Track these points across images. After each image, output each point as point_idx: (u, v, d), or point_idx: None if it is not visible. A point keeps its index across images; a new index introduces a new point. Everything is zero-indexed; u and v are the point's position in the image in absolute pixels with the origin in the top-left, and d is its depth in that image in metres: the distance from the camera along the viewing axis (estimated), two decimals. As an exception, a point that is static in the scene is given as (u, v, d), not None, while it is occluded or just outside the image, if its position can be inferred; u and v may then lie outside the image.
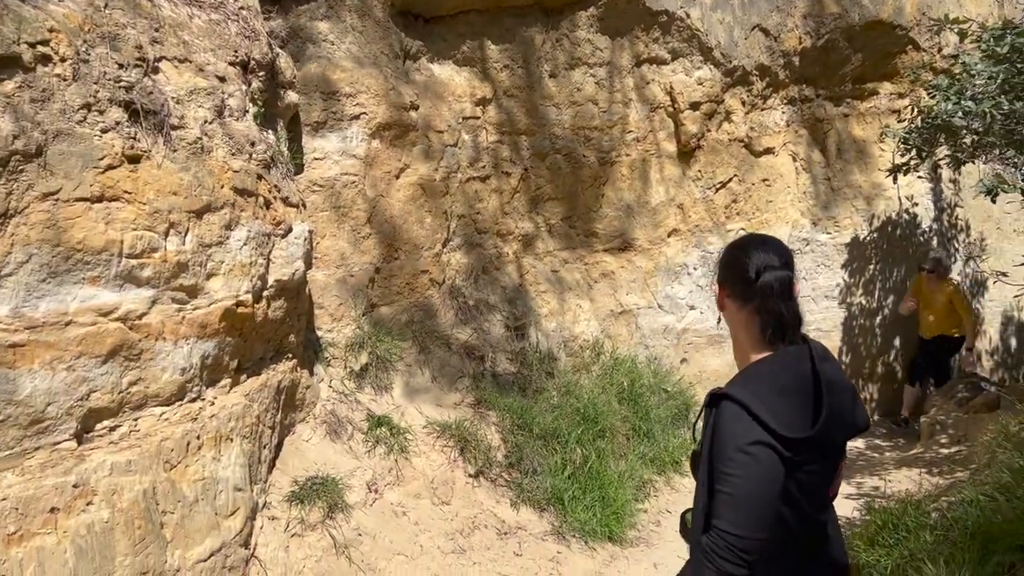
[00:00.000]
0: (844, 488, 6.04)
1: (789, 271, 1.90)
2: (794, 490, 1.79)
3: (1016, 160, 4.64)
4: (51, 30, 2.73)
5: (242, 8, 3.94)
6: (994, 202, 5.06)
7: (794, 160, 7.25)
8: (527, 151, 5.97)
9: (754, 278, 1.87)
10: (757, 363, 1.88)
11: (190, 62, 3.31)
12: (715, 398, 1.81)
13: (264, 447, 3.64)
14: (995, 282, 7.30)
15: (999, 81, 4.94)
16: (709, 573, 1.74)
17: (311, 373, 4.33)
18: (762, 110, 7.00)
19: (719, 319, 2.07)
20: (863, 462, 6.73)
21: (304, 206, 4.18)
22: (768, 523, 1.75)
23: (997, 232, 8.11)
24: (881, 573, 4.16)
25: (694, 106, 6.47)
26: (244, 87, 3.68)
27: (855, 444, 7.25)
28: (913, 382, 7.35)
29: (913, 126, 5.79)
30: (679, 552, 4.82)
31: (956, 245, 7.92)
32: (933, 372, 7.25)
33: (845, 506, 5.54)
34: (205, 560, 3.07)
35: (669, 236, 6.62)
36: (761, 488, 1.74)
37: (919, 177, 7.20)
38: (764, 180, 7.06)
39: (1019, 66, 5.04)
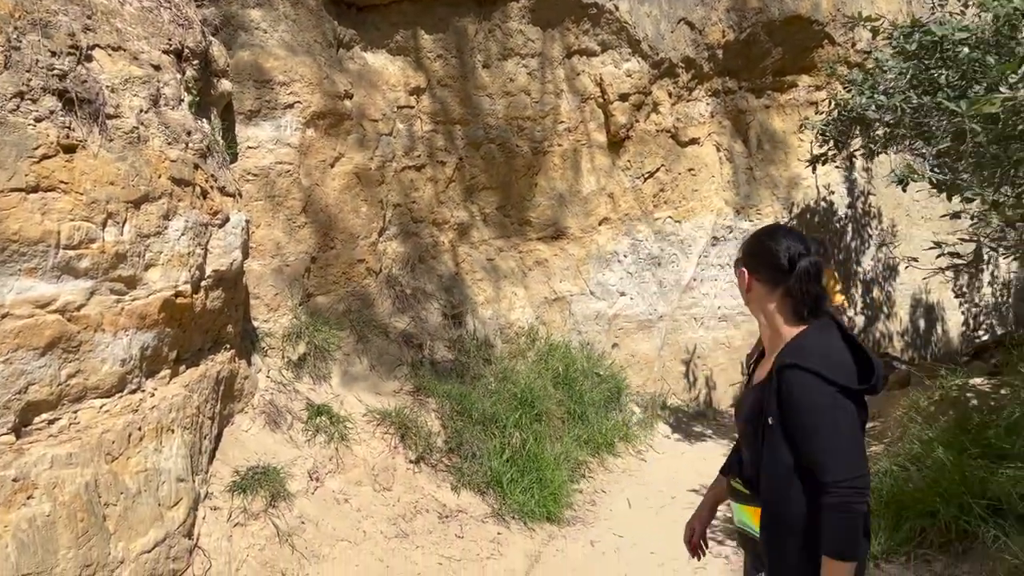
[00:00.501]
0: (768, 464, 6.34)
1: (818, 256, 2.14)
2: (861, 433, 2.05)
3: (924, 151, 4.92)
4: (-19, 16, 2.66)
5: (174, -5, 3.88)
6: (904, 191, 5.37)
7: (718, 150, 7.50)
8: (461, 140, 6.04)
9: (787, 266, 2.10)
10: (800, 336, 2.09)
11: (124, 50, 3.27)
12: (783, 369, 2.02)
13: (205, 438, 3.63)
14: (906, 267, 7.69)
15: (908, 76, 5.22)
16: (855, 520, 1.94)
17: (249, 363, 4.32)
18: (688, 101, 7.22)
19: (745, 300, 2.28)
20: (785, 439, 7.04)
21: (240, 195, 4.15)
22: (866, 460, 2.00)
23: (907, 219, 8.56)
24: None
25: (623, 97, 6.63)
26: (178, 76, 3.64)
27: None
28: None
29: (830, 118, 6.08)
30: (614, 530, 5.01)
31: (869, 231, 8.33)
32: None
33: (769, 481, 5.81)
34: (149, 551, 3.06)
35: (600, 224, 6.78)
36: (855, 430, 1.99)
37: (835, 167, 7.54)
38: (690, 170, 7.29)
39: (927, 62, 5.34)
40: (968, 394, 4.84)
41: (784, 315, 2.14)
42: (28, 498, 2.67)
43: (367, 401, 4.83)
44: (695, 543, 2.55)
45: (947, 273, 4.76)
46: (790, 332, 2.11)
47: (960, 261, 4.39)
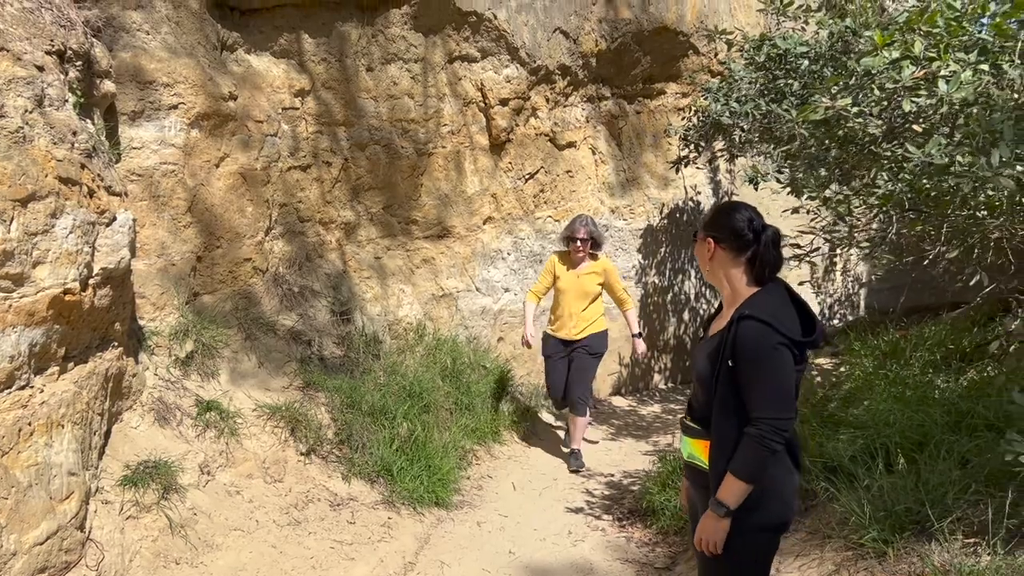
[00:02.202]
0: (642, 446, 6.80)
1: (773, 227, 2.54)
2: (795, 382, 2.42)
3: (772, 153, 5.46)
4: None
5: (54, -5, 3.90)
6: (757, 190, 5.92)
7: (593, 153, 7.93)
8: (346, 142, 6.19)
9: (751, 235, 2.47)
10: (757, 294, 2.47)
11: (7, 51, 3.30)
12: (740, 319, 2.37)
13: (95, 433, 3.68)
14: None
15: (758, 86, 5.76)
16: (764, 452, 2.32)
17: (137, 362, 4.36)
18: (564, 107, 7.62)
19: (707, 267, 2.61)
20: (659, 424, 7.54)
21: (127, 195, 4.20)
22: (793, 406, 2.38)
23: (767, 216, 9.24)
24: (673, 511, 4.83)
25: (503, 102, 6.95)
26: (62, 77, 3.68)
27: (653, 409, 8.08)
28: None
29: (691, 124, 6.58)
30: (499, 511, 5.30)
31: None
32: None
33: (643, 461, 6.26)
34: (42, 543, 3.11)
35: (484, 224, 7.07)
36: (788, 378, 2.35)
37: (698, 168, 8.11)
38: (568, 172, 7.69)
39: (775, 72, 5.91)
40: (813, 372, 5.40)
41: (746, 277, 2.50)
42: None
43: (256, 397, 4.93)
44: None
45: (792, 263, 5.29)
46: (748, 291, 2.49)
47: (800, 252, 4.93)
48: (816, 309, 9.93)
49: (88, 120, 4.03)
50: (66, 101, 3.67)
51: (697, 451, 2.59)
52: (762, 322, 2.35)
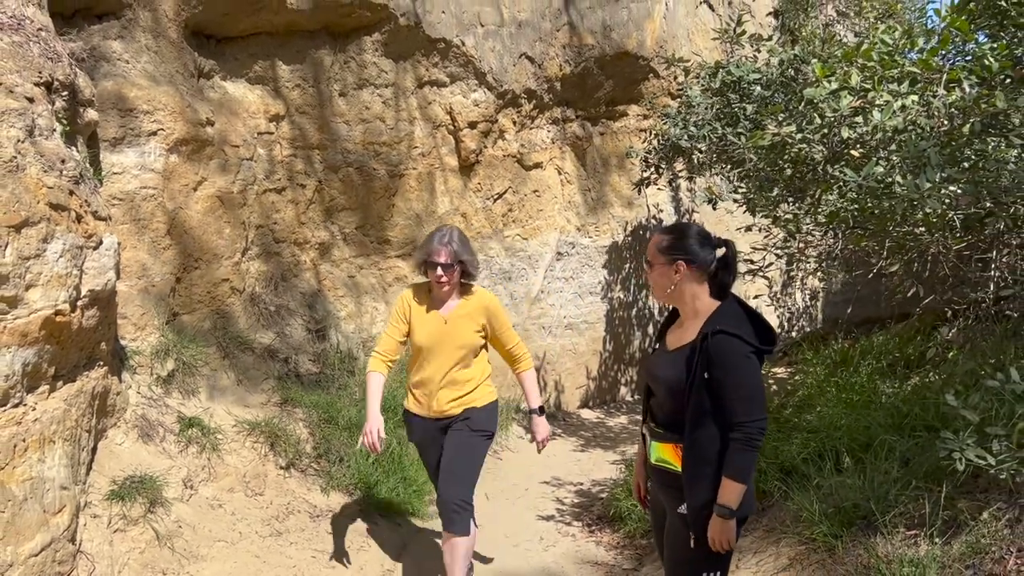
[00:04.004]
0: (610, 455, 7.03)
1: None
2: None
3: (728, 174, 5.76)
4: None
5: (40, 29, 4.06)
6: (714, 208, 6.22)
7: (559, 173, 8.21)
8: (320, 164, 6.39)
9: (716, 255, 2.69)
10: (720, 308, 2.67)
11: (0, 84, 3.46)
12: (712, 334, 2.56)
13: (83, 449, 3.82)
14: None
15: (714, 110, 6.07)
16: (753, 453, 2.54)
17: (120, 380, 4.49)
18: (531, 129, 7.88)
19: (670, 289, 2.76)
20: (626, 435, 7.79)
21: (111, 219, 4.35)
22: (765, 406, 2.59)
23: (726, 233, 9.60)
24: (639, 516, 5.06)
25: (472, 125, 7.19)
26: (50, 107, 3.84)
27: (619, 420, 8.33)
28: None
29: (651, 146, 6.88)
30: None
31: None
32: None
33: (610, 470, 6.49)
34: (36, 555, 3.25)
35: (454, 242, 7.29)
36: (761, 383, 2.59)
37: (659, 189, 8.42)
38: (535, 191, 7.95)
39: (730, 97, 6.22)
40: (770, 381, 5.68)
41: (706, 293, 2.71)
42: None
43: (236, 413, 5.08)
44: (642, 497, 3.13)
45: (747, 277, 5.58)
46: (710, 306, 2.69)
47: (754, 267, 5.23)
48: (775, 322, 10.28)
49: (74, 147, 4.18)
50: (54, 130, 3.83)
51: (666, 455, 2.76)
52: (734, 336, 2.55)
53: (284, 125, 6.16)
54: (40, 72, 3.83)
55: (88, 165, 4.36)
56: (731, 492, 2.55)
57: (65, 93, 4.08)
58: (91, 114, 4.51)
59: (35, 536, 3.26)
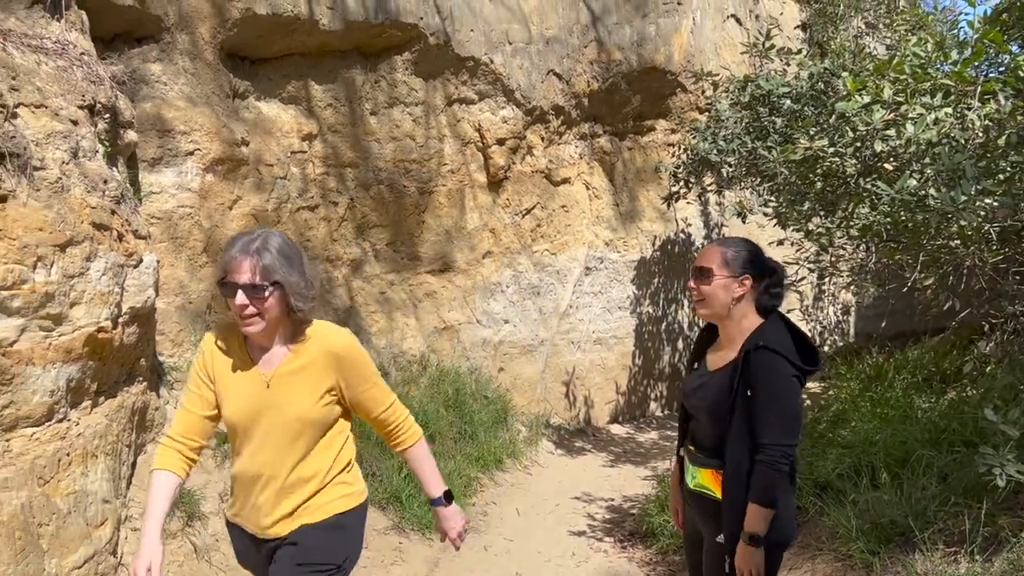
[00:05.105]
0: (641, 471, 7.01)
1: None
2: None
3: (758, 188, 5.75)
4: (-80, 80, 2.94)
5: (83, 54, 4.18)
6: (744, 222, 6.20)
7: (587, 188, 8.23)
8: (352, 182, 6.47)
9: (774, 271, 2.58)
10: (764, 326, 2.52)
11: (46, 107, 3.56)
12: (755, 350, 2.44)
13: (123, 464, 3.89)
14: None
15: (744, 124, 6.07)
16: (778, 477, 2.40)
17: (158, 395, 4.57)
18: (559, 145, 7.93)
19: (729, 305, 2.57)
20: (657, 451, 7.75)
21: (150, 237, 4.45)
22: (799, 433, 2.47)
23: (756, 247, 9.56)
24: (671, 532, 5.03)
25: (500, 142, 7.25)
26: (93, 129, 3.94)
27: (650, 436, 8.30)
28: None
29: (680, 161, 6.89)
30: (505, 535, 5.48)
31: (724, 259, 9.26)
32: None
33: (642, 485, 6.46)
34: (80, 567, 3.31)
35: (484, 258, 7.34)
36: (799, 408, 2.46)
37: (688, 203, 8.41)
38: (563, 207, 7.98)
39: (759, 110, 6.22)
40: (803, 396, 5.62)
41: (755, 310, 2.56)
42: (-27, 521, 2.91)
43: (271, 428, 5.13)
44: (682, 522, 2.95)
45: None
46: (753, 324, 2.54)
47: (785, 281, 5.17)
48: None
49: (115, 168, 4.29)
50: (97, 152, 3.94)
51: (706, 480, 2.63)
52: (778, 353, 2.42)
53: (317, 144, 6.26)
54: (83, 95, 3.94)
55: (128, 185, 4.47)
56: (757, 518, 2.44)
57: (107, 115, 4.19)
58: (131, 135, 4.62)
59: (79, 549, 3.32)
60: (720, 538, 2.55)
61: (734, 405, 2.48)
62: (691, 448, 2.71)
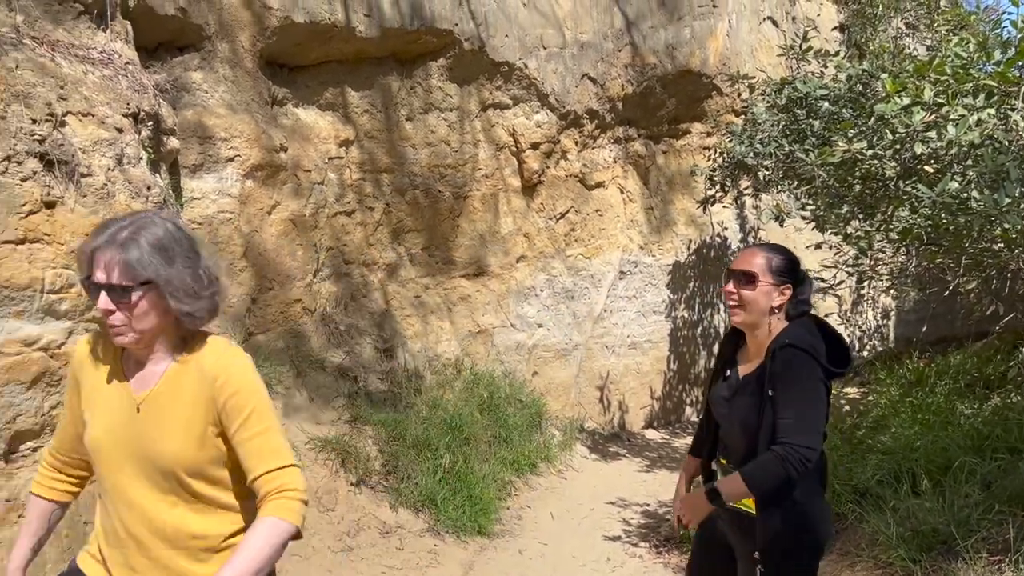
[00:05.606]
0: (676, 476, 6.96)
1: None
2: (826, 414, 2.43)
3: (796, 191, 5.70)
4: (-26, 91, 3.04)
5: (128, 63, 4.28)
6: (781, 226, 6.15)
7: (622, 192, 8.22)
8: (388, 187, 6.53)
9: (804, 280, 2.52)
10: (789, 327, 2.45)
11: (92, 115, 3.66)
12: (781, 348, 2.36)
13: (166, 464, 3.97)
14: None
15: (781, 127, 6.02)
16: (782, 475, 2.27)
17: (199, 398, 4.66)
18: (592, 149, 7.92)
19: (767, 312, 2.47)
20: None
21: (191, 243, 4.54)
22: (821, 438, 2.36)
23: (793, 250, 9.45)
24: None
25: (534, 146, 7.27)
26: (137, 136, 4.03)
27: (685, 441, 8.24)
28: None
29: (716, 164, 6.85)
30: (539, 539, 5.49)
31: (760, 263, 9.17)
32: None
33: (677, 490, 6.42)
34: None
35: (518, 262, 7.36)
36: (823, 411, 2.37)
37: (724, 207, 8.35)
38: (597, 211, 7.97)
39: (796, 113, 6.17)
40: (842, 401, 5.56)
41: (783, 319, 2.48)
42: (19, 516, 2.99)
43: (308, 430, 5.20)
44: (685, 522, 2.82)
45: (817, 296, 5.50)
46: (779, 327, 2.46)
47: (824, 285, 5.14)
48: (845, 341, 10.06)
49: (158, 174, 4.38)
50: (140, 158, 4.03)
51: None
52: (804, 351, 2.33)
53: (353, 150, 6.33)
54: (128, 104, 4.03)
55: (170, 191, 4.56)
56: (734, 486, 2.36)
57: (150, 123, 4.29)
58: (173, 142, 4.72)
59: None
60: (756, 555, 2.43)
61: (762, 412, 2.38)
62: (723, 462, 2.61)
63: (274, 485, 1.76)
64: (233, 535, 1.84)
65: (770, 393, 2.35)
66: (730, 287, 2.53)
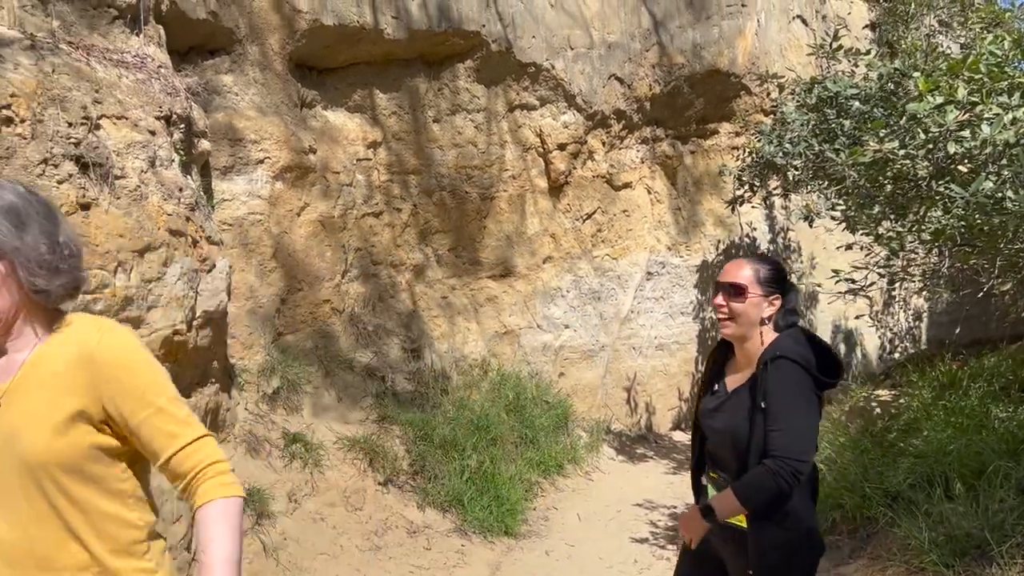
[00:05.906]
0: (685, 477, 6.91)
1: None
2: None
3: (826, 191, 5.64)
4: (12, 95, 3.11)
5: (160, 67, 4.34)
6: (811, 226, 6.09)
7: (649, 193, 8.18)
8: (416, 188, 6.56)
9: (791, 288, 2.52)
10: (779, 338, 2.42)
11: (126, 119, 3.72)
12: (772, 360, 2.34)
13: (197, 462, 4.02)
14: (831, 301, 8.36)
15: (810, 126, 5.96)
16: (775, 490, 2.24)
17: (229, 396, 4.71)
18: (620, 149, 7.90)
19: (757, 324, 2.46)
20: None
21: (222, 243, 4.59)
22: (813, 450, 2.33)
23: (824, 252, 9.34)
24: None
25: (561, 147, 7.27)
26: (169, 139, 4.09)
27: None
28: None
29: (745, 164, 6.80)
30: (566, 540, 5.48)
31: (790, 264, 9.09)
32: None
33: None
34: (156, 561, 3.43)
35: (544, 263, 7.36)
36: (815, 424, 2.34)
37: (753, 207, 8.28)
38: (624, 211, 7.95)
39: (826, 112, 6.10)
40: (873, 404, 5.50)
41: (772, 329, 2.47)
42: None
43: (336, 430, 5.24)
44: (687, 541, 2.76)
45: (847, 297, 5.43)
46: (769, 337, 2.45)
47: (855, 287, 5.08)
48: (876, 343, 9.93)
49: (189, 176, 4.44)
50: (172, 161, 4.08)
51: None
52: (796, 363, 2.32)
53: (381, 151, 6.37)
54: (160, 107, 4.09)
55: (202, 192, 4.62)
56: (727, 505, 2.33)
57: (182, 125, 4.35)
58: (204, 144, 4.78)
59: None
60: (750, 573, 2.38)
61: (753, 423, 2.35)
62: (713, 475, 2.56)
63: (194, 461, 1.55)
64: (103, 556, 1.50)
65: (762, 405, 2.33)
66: (719, 300, 2.52)
